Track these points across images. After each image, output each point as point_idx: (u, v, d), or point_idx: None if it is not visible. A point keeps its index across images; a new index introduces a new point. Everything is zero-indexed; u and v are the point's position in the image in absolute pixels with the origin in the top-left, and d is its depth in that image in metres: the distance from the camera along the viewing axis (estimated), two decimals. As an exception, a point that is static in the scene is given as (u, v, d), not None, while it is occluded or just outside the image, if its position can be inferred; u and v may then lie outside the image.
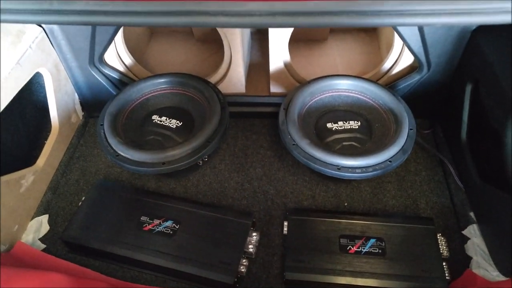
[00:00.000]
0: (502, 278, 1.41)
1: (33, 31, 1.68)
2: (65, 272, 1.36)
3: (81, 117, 2.12)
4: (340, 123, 1.79)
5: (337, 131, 1.77)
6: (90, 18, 1.09)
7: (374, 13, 1.01)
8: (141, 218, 1.59)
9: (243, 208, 1.74)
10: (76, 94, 2.04)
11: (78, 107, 2.08)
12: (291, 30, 1.82)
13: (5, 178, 1.55)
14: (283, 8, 1.03)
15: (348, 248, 1.50)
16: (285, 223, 1.60)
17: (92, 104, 2.09)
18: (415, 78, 1.84)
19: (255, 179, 1.84)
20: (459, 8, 1.01)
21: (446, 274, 1.44)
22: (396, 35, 1.79)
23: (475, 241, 1.55)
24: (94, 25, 1.68)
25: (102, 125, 1.68)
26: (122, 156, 1.59)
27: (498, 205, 1.44)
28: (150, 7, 1.05)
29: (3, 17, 1.12)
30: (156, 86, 1.89)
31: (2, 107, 1.53)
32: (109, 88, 1.97)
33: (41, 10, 1.07)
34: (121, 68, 2.02)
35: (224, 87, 2.02)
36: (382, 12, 1.01)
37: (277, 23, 1.06)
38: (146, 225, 1.57)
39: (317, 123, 1.82)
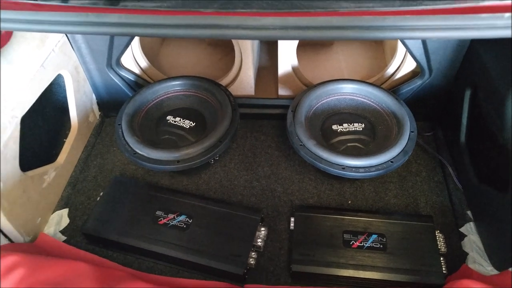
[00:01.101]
0: (496, 272, 1.45)
1: (55, 35, 1.74)
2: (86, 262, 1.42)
3: (98, 117, 2.17)
4: (345, 125, 1.83)
5: (342, 133, 1.81)
6: (121, 29, 1.14)
7: (377, 28, 1.07)
8: (156, 213, 1.64)
9: (252, 205, 1.77)
10: (93, 94, 2.09)
11: (96, 107, 2.13)
12: (299, 36, 1.88)
13: (30, 173, 1.61)
14: (295, 23, 1.08)
15: (351, 243, 1.54)
16: (292, 219, 1.64)
17: (108, 104, 2.14)
18: (417, 83, 1.89)
19: (263, 177, 1.88)
20: (455, 24, 1.06)
21: (444, 269, 1.48)
22: (399, 42, 1.83)
23: (471, 238, 1.59)
24: (123, 36, 1.75)
25: (120, 124, 1.73)
26: (139, 154, 1.64)
27: (493, 204, 1.49)
28: (177, 21, 1.10)
29: (42, 27, 1.18)
30: (170, 88, 1.93)
31: (28, 108, 1.59)
32: (125, 89, 2.02)
33: (77, 22, 1.13)
34: (136, 70, 2.06)
35: (234, 89, 2.06)
36: (384, 27, 1.07)
37: (289, 36, 1.11)
38: (161, 219, 1.62)
39: (323, 125, 1.86)
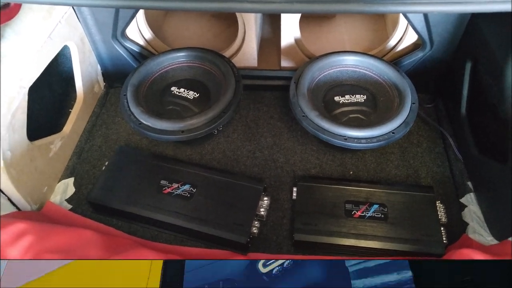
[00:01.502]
0: (495, 242, 1.47)
1: (62, 7, 1.74)
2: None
3: (102, 88, 2.18)
4: (347, 96, 1.84)
5: (344, 104, 1.82)
6: (130, 2, 1.16)
7: (379, 2, 1.08)
8: (161, 182, 1.66)
9: (254, 175, 1.79)
10: (99, 65, 2.10)
11: (100, 78, 2.14)
12: (303, 8, 1.88)
13: (37, 143, 1.63)
14: (300, -3, 1.12)
15: (352, 213, 1.56)
16: (294, 189, 1.66)
17: (113, 75, 2.15)
18: (418, 55, 1.89)
19: (266, 148, 1.90)
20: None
21: (444, 238, 1.50)
22: (401, 15, 1.83)
23: (471, 208, 1.60)
24: (133, 8, 1.75)
25: (125, 95, 1.74)
26: (144, 124, 1.65)
27: (493, 175, 1.51)
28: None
29: (53, 0, 1.19)
30: (174, 60, 1.94)
31: (35, 78, 1.60)
32: (129, 60, 2.03)
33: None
34: (141, 42, 2.07)
35: (237, 61, 2.06)
36: (386, 1, 1.08)
37: (294, 9, 1.12)
38: (166, 188, 1.64)
39: (325, 96, 1.87)
